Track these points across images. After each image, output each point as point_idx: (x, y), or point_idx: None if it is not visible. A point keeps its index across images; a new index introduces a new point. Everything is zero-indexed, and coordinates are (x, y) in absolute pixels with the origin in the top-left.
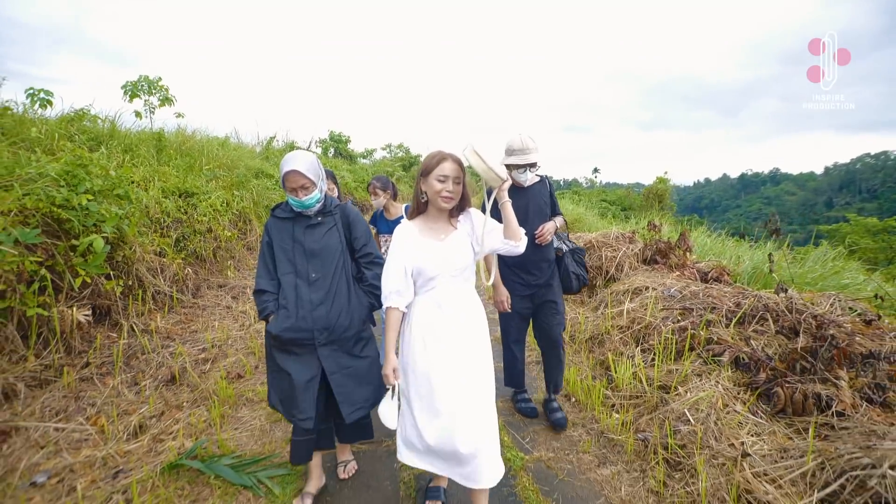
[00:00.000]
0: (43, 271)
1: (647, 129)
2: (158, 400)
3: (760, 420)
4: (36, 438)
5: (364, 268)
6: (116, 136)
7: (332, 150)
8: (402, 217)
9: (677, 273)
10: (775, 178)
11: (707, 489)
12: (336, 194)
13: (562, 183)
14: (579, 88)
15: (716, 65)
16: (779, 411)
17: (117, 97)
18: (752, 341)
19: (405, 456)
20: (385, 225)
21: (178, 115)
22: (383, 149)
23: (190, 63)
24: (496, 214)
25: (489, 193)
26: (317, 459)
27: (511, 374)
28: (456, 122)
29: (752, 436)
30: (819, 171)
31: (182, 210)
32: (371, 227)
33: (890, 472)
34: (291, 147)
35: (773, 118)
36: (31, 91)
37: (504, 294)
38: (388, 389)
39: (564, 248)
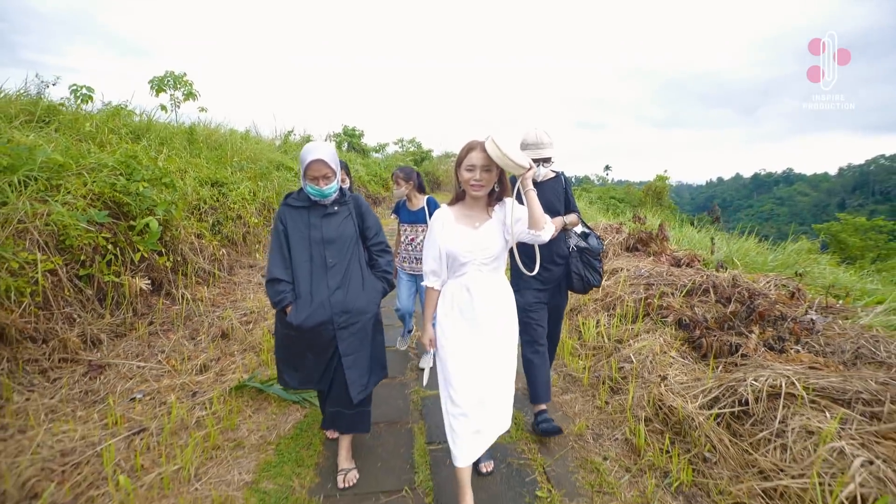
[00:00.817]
0: (110, 246)
1: (662, 127)
2: (215, 349)
3: (688, 362)
4: (124, 372)
5: (376, 255)
6: (153, 130)
7: (345, 144)
8: (423, 208)
9: (653, 259)
10: (789, 178)
11: (633, 401)
12: (348, 185)
13: (573, 179)
14: (594, 85)
15: (733, 62)
16: (703, 356)
17: (132, 88)
18: (695, 308)
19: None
20: (407, 214)
21: (202, 110)
22: (395, 143)
23: (205, 56)
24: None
25: (513, 182)
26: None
27: (536, 388)
28: (469, 116)
29: (676, 371)
30: (833, 171)
31: (215, 198)
32: (393, 215)
33: (752, 381)
34: (308, 140)
35: (789, 117)
36: (75, 87)
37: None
38: (429, 353)
39: (573, 247)
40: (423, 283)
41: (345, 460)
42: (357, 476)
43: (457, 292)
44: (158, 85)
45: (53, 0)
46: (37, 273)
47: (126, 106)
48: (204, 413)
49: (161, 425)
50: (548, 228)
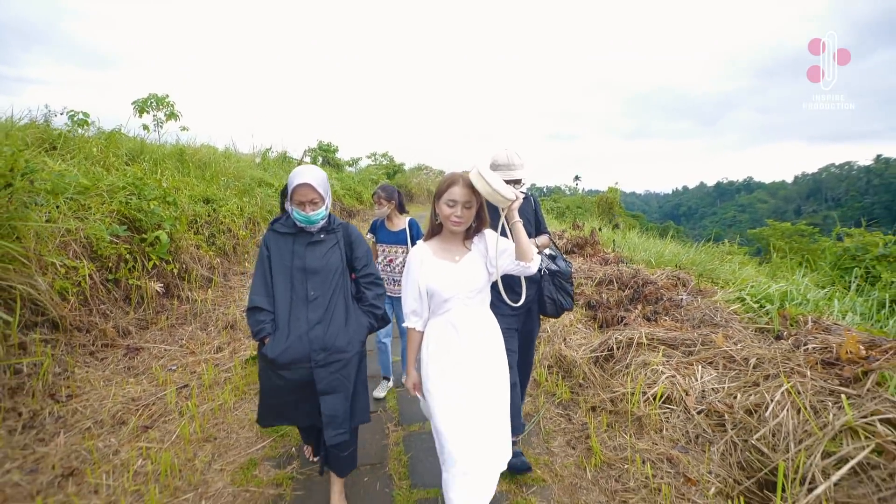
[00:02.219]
0: (128, 256)
1: (630, 139)
2: (226, 336)
3: (589, 330)
4: (155, 353)
5: (364, 287)
6: (146, 151)
7: (320, 158)
8: (404, 230)
9: (586, 259)
10: (749, 186)
11: (542, 355)
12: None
13: (545, 189)
14: (564, 98)
15: (695, 77)
16: (599, 326)
17: (101, 101)
18: (602, 294)
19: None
20: (386, 234)
21: (183, 129)
22: (368, 157)
23: (173, 67)
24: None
25: (498, 216)
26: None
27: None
28: (441, 129)
29: (577, 336)
30: (790, 179)
31: (208, 214)
32: (370, 234)
33: (617, 337)
34: (284, 157)
35: (749, 128)
36: (73, 113)
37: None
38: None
39: (545, 270)
40: (403, 325)
41: (338, 502)
42: None
43: (442, 330)
44: (142, 106)
45: (10, 9)
46: (79, 277)
47: (120, 129)
48: (229, 374)
49: (201, 383)
50: (536, 259)
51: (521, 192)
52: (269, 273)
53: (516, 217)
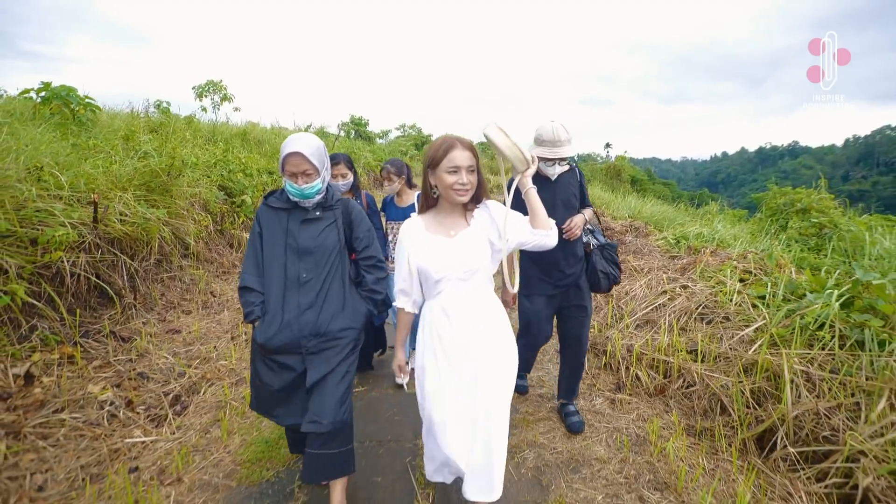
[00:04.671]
0: (227, 212)
1: (667, 103)
2: None
3: None
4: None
5: (364, 271)
6: (217, 132)
7: (353, 132)
8: (413, 205)
9: None
10: (794, 151)
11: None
12: (350, 181)
13: (576, 157)
14: (599, 60)
15: (741, 32)
16: None
17: (137, 77)
18: None
19: (431, 474)
20: (395, 211)
21: (236, 110)
22: (397, 129)
23: (206, 44)
24: (518, 206)
25: (510, 184)
26: (337, 486)
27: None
28: (469, 97)
29: None
30: (840, 143)
31: (273, 182)
32: (381, 213)
33: None
34: (323, 132)
35: (797, 89)
36: (158, 102)
37: (512, 292)
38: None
39: (594, 243)
40: (394, 304)
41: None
42: None
43: (434, 316)
44: (201, 91)
45: None
46: (201, 227)
47: (194, 116)
48: None
49: None
50: (554, 230)
51: (566, 164)
52: (261, 251)
53: (531, 184)
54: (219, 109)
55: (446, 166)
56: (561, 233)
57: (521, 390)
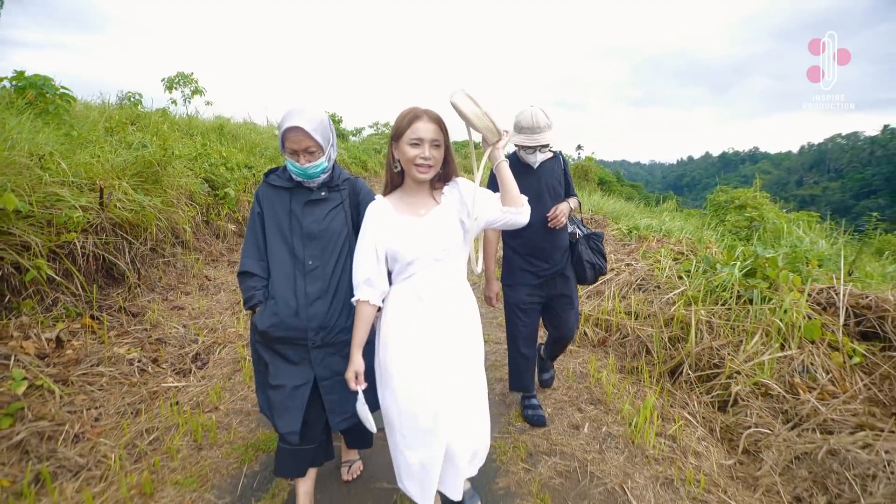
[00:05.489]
0: (212, 204)
1: (639, 106)
2: None
3: None
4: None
5: None
6: (193, 126)
7: None
8: None
9: None
10: (754, 156)
11: None
12: None
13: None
14: (571, 64)
15: (709, 41)
16: None
17: (84, 63)
18: None
19: (406, 484)
20: None
21: (208, 104)
22: (370, 126)
23: (173, 34)
24: (492, 186)
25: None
26: (307, 485)
27: (518, 377)
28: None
29: None
30: (796, 150)
31: (252, 177)
32: None
33: None
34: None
35: (762, 96)
36: (129, 93)
37: (495, 289)
38: (358, 395)
39: (578, 232)
40: (353, 300)
41: (349, 451)
42: (362, 467)
43: (404, 299)
44: (170, 83)
45: None
46: (189, 216)
47: (168, 109)
48: None
49: None
50: (526, 207)
51: (549, 151)
52: (262, 234)
53: (502, 157)
54: (189, 103)
55: (409, 138)
56: (545, 222)
57: (538, 421)
